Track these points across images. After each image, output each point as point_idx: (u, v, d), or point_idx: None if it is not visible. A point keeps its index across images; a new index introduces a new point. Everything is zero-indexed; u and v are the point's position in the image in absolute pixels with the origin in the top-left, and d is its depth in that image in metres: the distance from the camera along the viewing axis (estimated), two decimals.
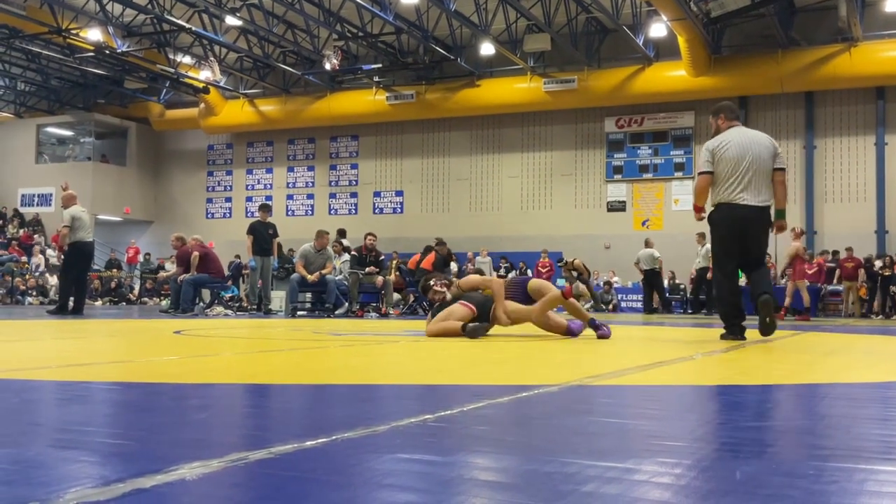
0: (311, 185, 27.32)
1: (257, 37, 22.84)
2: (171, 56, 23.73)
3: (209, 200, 28.79)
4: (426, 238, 17.95)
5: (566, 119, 23.66)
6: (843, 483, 1.43)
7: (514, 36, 21.43)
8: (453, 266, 17.08)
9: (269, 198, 26.75)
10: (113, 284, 23.87)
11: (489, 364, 4.00)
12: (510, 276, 21.24)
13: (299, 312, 13.41)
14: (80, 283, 11.97)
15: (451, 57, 22.22)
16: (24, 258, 22.95)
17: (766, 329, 5.83)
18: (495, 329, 6.42)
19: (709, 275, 15.25)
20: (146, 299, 23.72)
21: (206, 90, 25.36)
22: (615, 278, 21.69)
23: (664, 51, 21.37)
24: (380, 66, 23.40)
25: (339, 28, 21.62)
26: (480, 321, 6.05)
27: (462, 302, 6.14)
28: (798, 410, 2.63)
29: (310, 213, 26.97)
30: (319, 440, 1.71)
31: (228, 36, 22.42)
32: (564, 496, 1.28)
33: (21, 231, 25.90)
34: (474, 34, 21.22)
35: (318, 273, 12.86)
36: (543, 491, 1.32)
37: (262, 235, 13.90)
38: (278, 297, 15.36)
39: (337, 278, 13.78)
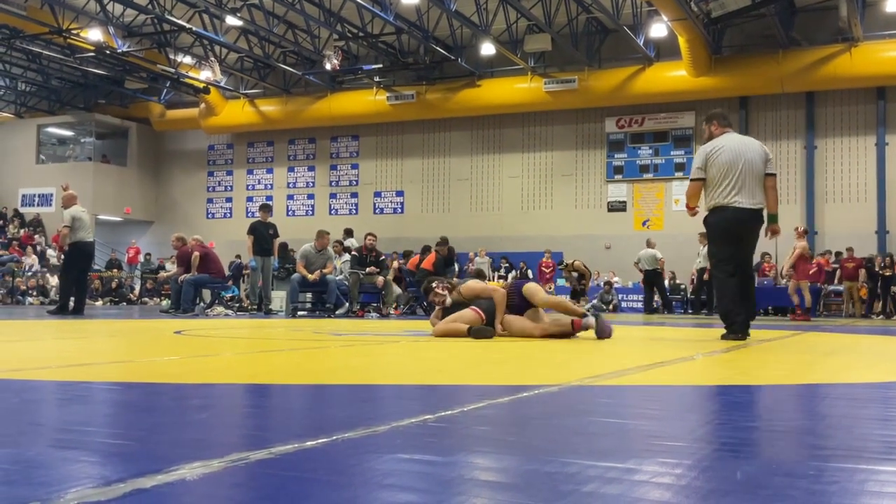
0: (311, 185, 27.32)
1: (258, 37, 22.85)
2: (171, 56, 23.74)
3: (210, 200, 28.80)
4: (427, 238, 17.95)
5: (567, 119, 23.66)
6: (844, 483, 1.43)
7: (515, 36, 21.43)
8: (455, 267, 17.03)
9: (269, 198, 26.76)
10: (113, 284, 23.87)
11: (489, 364, 4.00)
12: (510, 276, 21.26)
13: (300, 312, 13.41)
14: (80, 284, 11.97)
15: (452, 57, 22.22)
16: (24, 258, 22.95)
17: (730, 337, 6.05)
18: None
19: (705, 276, 15.32)
20: (146, 299, 23.72)
21: (206, 90, 25.37)
22: (615, 278, 21.69)
23: (665, 51, 21.37)
24: (380, 66, 23.41)
25: (340, 28, 21.62)
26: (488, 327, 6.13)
27: (474, 308, 6.21)
28: (799, 410, 2.63)
29: (310, 213, 26.97)
30: (320, 440, 1.71)
31: (229, 36, 22.42)
32: (565, 496, 1.28)
33: (21, 231, 25.90)
34: (475, 34, 21.22)
35: (318, 272, 12.86)
36: (544, 491, 1.32)
37: (263, 235, 13.90)
38: (279, 298, 15.36)
39: (337, 278, 13.78)
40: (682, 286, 21.13)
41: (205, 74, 24.01)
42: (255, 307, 14.33)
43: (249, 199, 27.86)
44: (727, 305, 6.12)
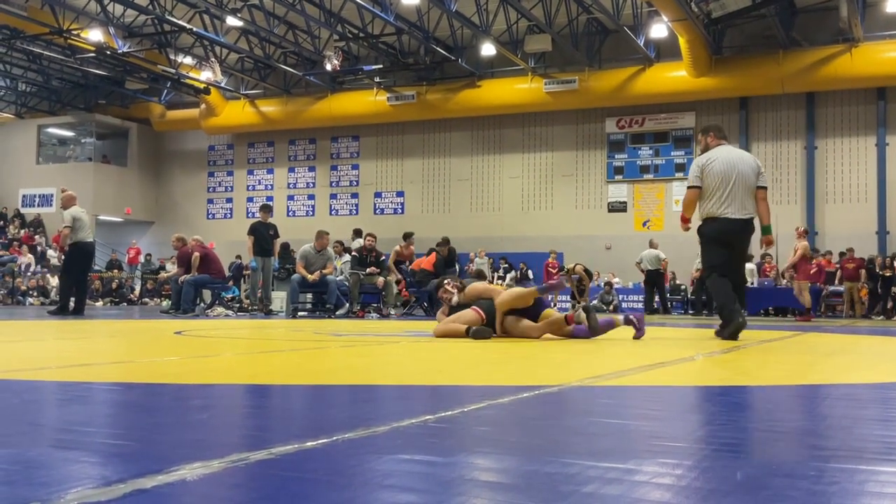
0: (311, 185, 27.32)
1: (258, 37, 22.85)
2: (172, 57, 23.74)
3: (210, 201, 28.80)
4: (427, 239, 17.96)
5: (567, 119, 23.66)
6: (844, 484, 1.43)
7: (515, 36, 21.43)
8: (456, 267, 17.02)
9: (269, 198, 26.76)
10: (114, 285, 23.88)
11: (490, 365, 4.00)
12: (508, 277, 21.25)
13: (300, 313, 13.41)
14: (80, 284, 11.98)
15: (452, 57, 22.22)
16: (20, 258, 22.92)
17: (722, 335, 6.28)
18: None
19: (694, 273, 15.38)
20: (147, 300, 23.73)
21: (206, 91, 25.38)
22: (616, 279, 21.69)
23: (665, 51, 21.37)
24: (381, 66, 23.41)
25: (340, 29, 21.63)
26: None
27: (475, 308, 6.20)
28: (799, 411, 2.63)
29: (311, 213, 26.98)
30: (320, 441, 1.71)
31: (229, 37, 22.42)
32: (565, 497, 1.28)
33: (22, 232, 25.91)
34: (475, 35, 21.22)
35: (318, 273, 12.86)
36: (544, 492, 1.32)
37: (263, 236, 13.90)
38: (279, 298, 15.36)
39: (338, 279, 13.78)
40: (683, 287, 21.13)
41: (205, 75, 24.01)
42: (256, 308, 14.33)
43: (250, 199, 27.87)
44: (723, 299, 6.33)
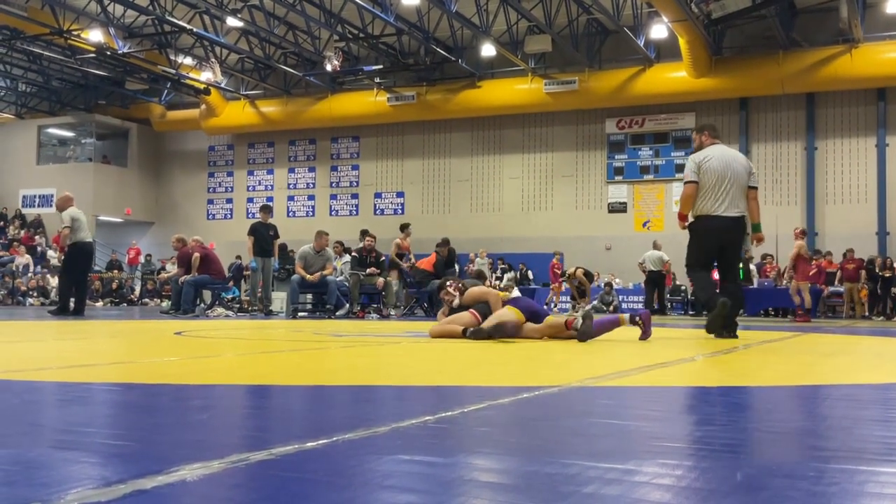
0: (311, 186, 27.33)
1: (258, 38, 22.86)
2: (172, 57, 23.75)
3: (210, 201, 28.81)
4: (427, 239, 17.97)
5: (567, 120, 23.67)
6: (844, 485, 1.43)
7: (515, 37, 21.44)
8: (455, 268, 17.03)
9: (270, 199, 26.77)
10: (114, 285, 23.88)
11: (490, 365, 4.00)
12: (506, 277, 21.23)
13: (300, 313, 13.41)
14: (80, 284, 11.98)
15: (452, 58, 22.23)
16: (17, 258, 22.90)
17: (709, 330, 6.48)
18: None
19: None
20: (147, 300, 23.73)
21: (207, 91, 25.38)
22: (616, 280, 21.69)
23: (665, 52, 21.38)
24: (381, 67, 23.41)
25: (340, 29, 21.63)
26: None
27: (472, 311, 6.21)
28: (799, 412, 2.63)
29: (311, 214, 26.98)
30: (320, 441, 1.71)
31: (229, 37, 22.43)
32: (565, 497, 1.28)
33: (22, 232, 25.91)
34: (475, 35, 21.22)
35: (318, 273, 12.86)
36: (544, 492, 1.32)
37: (263, 236, 13.91)
38: (279, 299, 15.36)
39: (338, 279, 13.78)
40: (683, 287, 21.12)
41: (205, 75, 24.02)
42: (256, 308, 14.34)
43: (250, 199, 27.87)
44: (709, 292, 6.54)
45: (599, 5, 18.99)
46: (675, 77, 21.10)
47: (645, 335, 5.93)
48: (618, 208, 23.21)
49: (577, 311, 6.07)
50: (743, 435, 2.00)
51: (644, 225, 22.79)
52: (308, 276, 12.81)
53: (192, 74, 24.54)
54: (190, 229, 21.77)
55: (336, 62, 21.69)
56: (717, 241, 6.49)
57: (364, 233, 15.69)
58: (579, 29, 21.41)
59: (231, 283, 18.71)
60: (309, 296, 14.05)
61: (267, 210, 14.62)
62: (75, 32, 20.94)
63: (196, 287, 13.28)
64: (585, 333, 5.76)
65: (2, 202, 28.03)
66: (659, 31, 19.84)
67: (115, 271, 25.20)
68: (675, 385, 3.26)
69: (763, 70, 20.53)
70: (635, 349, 5.17)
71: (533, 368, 3.84)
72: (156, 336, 6.48)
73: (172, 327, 8.03)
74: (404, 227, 15.53)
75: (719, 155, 6.50)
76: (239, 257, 22.47)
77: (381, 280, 13.67)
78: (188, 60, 24.35)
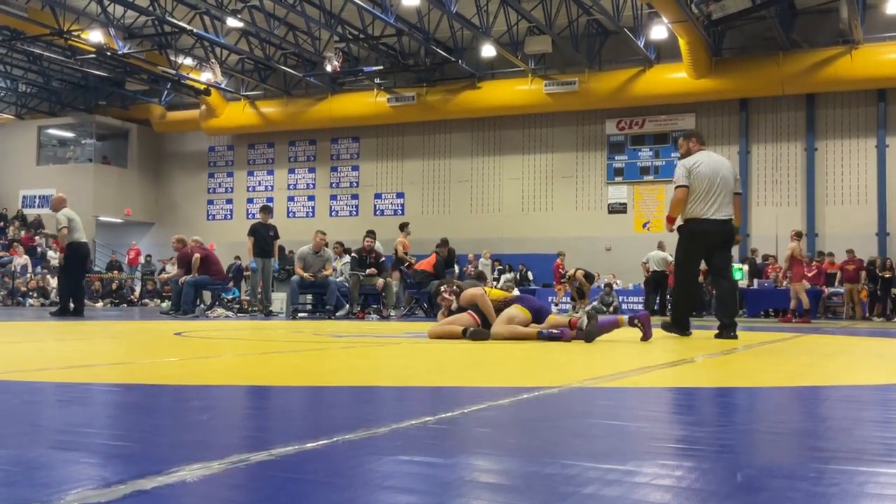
0: (312, 186, 27.33)
1: (258, 39, 22.86)
2: (172, 58, 23.75)
3: (210, 202, 28.81)
4: (427, 240, 17.97)
5: (567, 121, 23.67)
6: (844, 485, 1.43)
7: (515, 38, 21.44)
8: (455, 268, 17.03)
9: (270, 199, 26.77)
10: (114, 286, 23.87)
11: (490, 366, 4.00)
12: (503, 278, 21.23)
13: (300, 314, 13.41)
14: (76, 285, 12.02)
15: (452, 59, 22.23)
16: (15, 258, 22.88)
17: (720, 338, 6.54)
18: None
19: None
20: (147, 301, 23.72)
21: (207, 92, 25.38)
22: (616, 280, 21.68)
23: (665, 53, 21.38)
24: (381, 67, 23.41)
25: (340, 30, 21.63)
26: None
27: (470, 312, 6.21)
28: (799, 413, 2.63)
29: (311, 214, 26.98)
30: (320, 442, 1.71)
31: (230, 38, 22.43)
32: (565, 498, 1.28)
33: (22, 232, 25.91)
34: (475, 36, 21.22)
35: (321, 273, 12.87)
36: (544, 493, 1.32)
37: (263, 237, 13.91)
38: (279, 299, 15.36)
39: (338, 280, 13.79)
40: None
41: (205, 76, 24.02)
42: (256, 309, 14.34)
43: (250, 200, 27.87)
44: (685, 309, 6.82)
45: (599, 6, 18.99)
46: (675, 78, 21.09)
47: (646, 336, 5.93)
48: (618, 209, 23.21)
49: (577, 312, 6.05)
50: (743, 436, 2.00)
51: (644, 226, 22.79)
52: (306, 275, 12.82)
53: (192, 75, 24.53)
54: (190, 230, 21.76)
55: (336, 63, 21.69)
56: (706, 243, 6.70)
57: (371, 234, 15.71)
58: (579, 30, 21.41)
59: (231, 284, 18.70)
60: (309, 296, 14.06)
61: (267, 211, 14.61)
62: (75, 33, 20.94)
63: (196, 288, 13.28)
64: (591, 333, 5.77)
65: (2, 203, 28.01)
66: (659, 31, 19.84)
67: (115, 272, 25.19)
68: (676, 386, 3.26)
69: (763, 71, 20.53)
70: (635, 350, 5.17)
71: (533, 369, 3.84)
72: (156, 337, 6.48)
73: (172, 328, 8.03)
74: (404, 227, 15.56)
75: (708, 161, 6.73)
76: (238, 258, 22.47)
77: (380, 281, 13.67)
78: (188, 61, 24.35)
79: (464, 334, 5.94)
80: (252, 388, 2.97)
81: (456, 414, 2.17)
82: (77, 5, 20.82)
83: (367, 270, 13.61)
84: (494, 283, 20.20)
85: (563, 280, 19.01)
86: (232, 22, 20.54)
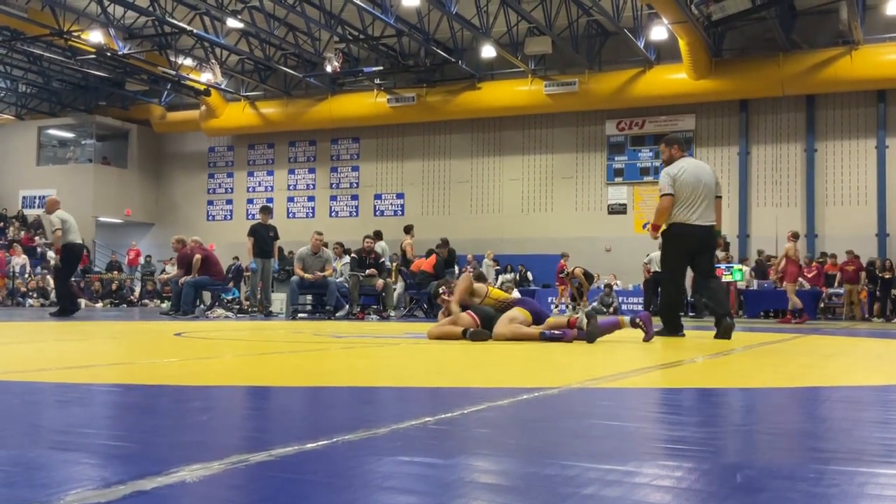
0: (311, 187, 27.33)
1: (258, 39, 22.86)
2: (172, 58, 23.75)
3: (210, 203, 28.81)
4: (427, 240, 17.95)
5: (567, 122, 23.67)
6: (844, 486, 1.43)
7: (515, 39, 21.44)
8: (455, 269, 17.03)
9: (270, 200, 26.77)
10: (114, 286, 23.87)
11: (490, 366, 4.00)
12: (500, 279, 21.23)
13: (300, 314, 13.41)
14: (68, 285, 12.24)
15: (452, 59, 22.23)
16: (13, 258, 22.87)
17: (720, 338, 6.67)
18: None
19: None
20: (147, 301, 23.72)
21: (207, 92, 25.38)
22: (616, 281, 21.68)
23: (665, 54, 21.38)
24: (381, 68, 23.41)
25: (340, 31, 21.63)
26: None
27: (469, 312, 6.21)
28: (799, 413, 2.63)
29: (311, 215, 26.98)
30: (320, 442, 1.71)
31: (230, 38, 22.43)
32: (565, 499, 1.28)
33: (22, 233, 25.91)
34: (475, 37, 21.23)
35: (316, 273, 12.86)
36: (544, 493, 1.32)
37: (263, 238, 13.91)
38: (279, 300, 15.35)
39: (338, 280, 13.79)
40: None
41: (205, 76, 24.02)
42: (256, 309, 14.34)
43: (250, 201, 27.87)
44: (674, 310, 6.97)
45: (599, 7, 19.00)
46: (675, 79, 21.10)
47: (648, 337, 5.93)
48: (618, 210, 23.21)
49: (577, 312, 6.05)
50: (743, 437, 2.00)
51: (644, 226, 22.74)
52: (305, 275, 12.82)
53: (192, 76, 24.53)
54: (190, 230, 21.77)
55: (336, 63, 21.69)
56: (689, 247, 6.87)
57: (377, 234, 15.73)
58: (579, 30, 21.42)
59: (231, 285, 18.70)
60: (308, 297, 14.06)
61: (267, 211, 14.61)
62: (75, 33, 20.94)
63: (196, 288, 13.28)
64: (593, 334, 5.78)
65: (2, 203, 28.02)
66: (659, 32, 19.85)
67: (115, 272, 25.19)
68: (676, 387, 3.26)
69: (763, 72, 20.53)
70: (635, 350, 5.17)
71: (532, 370, 3.84)
72: (155, 337, 6.49)
73: (172, 328, 8.03)
74: (409, 229, 15.71)
75: (691, 168, 6.89)
76: (236, 258, 22.48)
77: (380, 281, 13.67)
78: (188, 62, 24.35)
79: (464, 335, 5.95)
80: (252, 389, 2.97)
81: (456, 415, 2.17)
82: (77, 6, 20.82)
83: (367, 271, 13.61)
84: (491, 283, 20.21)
85: (561, 275, 19.01)
86: (232, 22, 20.54)
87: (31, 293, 21.44)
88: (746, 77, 20.72)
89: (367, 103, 24.74)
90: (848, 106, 21.05)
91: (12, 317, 12.00)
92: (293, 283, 13.03)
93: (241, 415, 2.38)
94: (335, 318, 12.72)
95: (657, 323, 6.81)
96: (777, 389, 3.16)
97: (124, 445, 1.74)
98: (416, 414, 2.20)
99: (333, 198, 26.91)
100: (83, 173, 27.70)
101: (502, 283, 21.03)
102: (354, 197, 26.63)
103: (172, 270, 16.50)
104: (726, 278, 19.01)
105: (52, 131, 29.84)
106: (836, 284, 19.02)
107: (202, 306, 14.03)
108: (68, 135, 30.00)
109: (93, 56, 23.06)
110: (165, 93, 27.49)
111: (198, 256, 13.21)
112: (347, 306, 13.59)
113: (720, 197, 7.02)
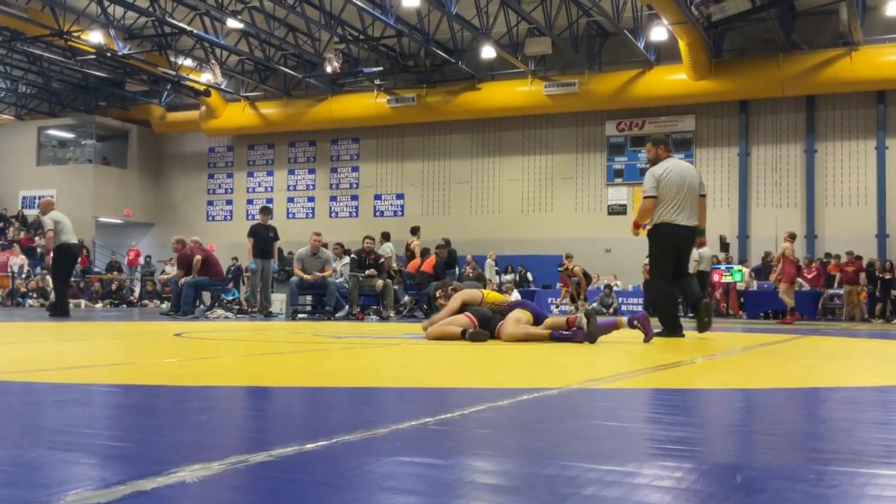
0: (311, 187, 27.33)
1: (258, 39, 22.86)
2: (172, 59, 23.74)
3: (210, 203, 28.80)
4: (427, 241, 17.93)
5: (567, 122, 23.67)
6: (844, 487, 1.43)
7: (515, 39, 21.44)
8: (456, 269, 17.03)
9: (269, 200, 26.76)
10: (113, 287, 23.87)
11: (489, 367, 4.00)
12: (500, 280, 21.23)
13: (300, 315, 13.41)
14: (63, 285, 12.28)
15: (452, 60, 22.23)
16: (11, 258, 22.87)
17: (704, 327, 7.04)
18: None
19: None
20: (146, 302, 23.72)
21: (207, 93, 25.38)
22: (616, 282, 21.68)
23: (665, 54, 21.38)
24: (381, 69, 23.42)
25: (341, 31, 21.63)
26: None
27: (467, 313, 6.22)
28: (799, 414, 2.63)
29: (310, 215, 26.98)
30: (320, 443, 1.71)
31: (230, 39, 22.43)
32: (565, 499, 1.28)
33: (22, 233, 25.91)
34: (475, 37, 21.22)
35: (315, 274, 12.86)
36: (544, 494, 1.32)
37: (263, 238, 13.91)
38: (279, 300, 15.35)
39: (337, 281, 13.78)
40: None
41: (205, 77, 24.02)
42: (256, 310, 14.33)
43: (250, 201, 27.86)
44: (671, 310, 7.05)
45: (599, 8, 18.99)
46: (675, 79, 21.10)
47: (647, 337, 5.93)
48: (618, 210, 23.20)
49: (577, 311, 6.08)
50: (742, 437, 2.00)
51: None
52: (305, 276, 12.82)
53: (192, 76, 24.52)
54: (190, 231, 21.75)
55: (336, 64, 21.69)
56: (676, 246, 7.04)
57: (385, 235, 15.76)
58: (579, 31, 21.42)
59: (230, 285, 18.70)
60: (308, 297, 14.05)
61: (266, 212, 14.61)
62: (75, 34, 20.94)
63: (196, 288, 13.28)
64: (593, 334, 5.78)
65: (2, 203, 28.01)
66: (659, 33, 19.85)
67: (115, 273, 25.19)
68: (675, 387, 3.26)
69: (763, 72, 20.54)
70: (635, 351, 5.17)
71: (532, 370, 3.84)
72: (155, 337, 6.49)
73: (172, 329, 8.03)
74: (416, 231, 15.86)
75: (677, 169, 7.00)
76: (235, 259, 22.48)
77: (379, 282, 13.66)
78: (188, 62, 24.35)
79: (462, 335, 5.95)
80: (252, 389, 2.97)
81: (455, 415, 2.17)
82: (77, 6, 20.82)
83: (367, 272, 13.61)
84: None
85: (559, 268, 18.99)
86: (232, 23, 20.54)
87: (30, 293, 21.44)
88: (746, 78, 20.72)
89: (367, 104, 24.74)
90: (848, 107, 21.05)
91: (12, 317, 12.00)
92: (293, 283, 13.03)
93: (241, 415, 2.38)
94: (335, 319, 12.72)
95: (656, 324, 6.84)
96: (777, 390, 3.16)
97: (124, 446, 1.74)
98: (416, 414, 2.20)
99: (333, 198, 26.91)
100: (83, 174, 27.70)
101: (503, 283, 21.04)
102: (354, 197, 26.63)
103: (172, 271, 16.49)
104: (726, 279, 19.06)
105: (52, 131, 29.84)
106: (836, 285, 19.02)
107: (202, 307, 14.03)
108: (68, 135, 29.99)
109: (93, 56, 23.06)
110: (165, 93, 27.49)
111: (198, 257, 13.22)
112: (347, 307, 13.58)
113: (704, 195, 7.15)
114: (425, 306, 14.44)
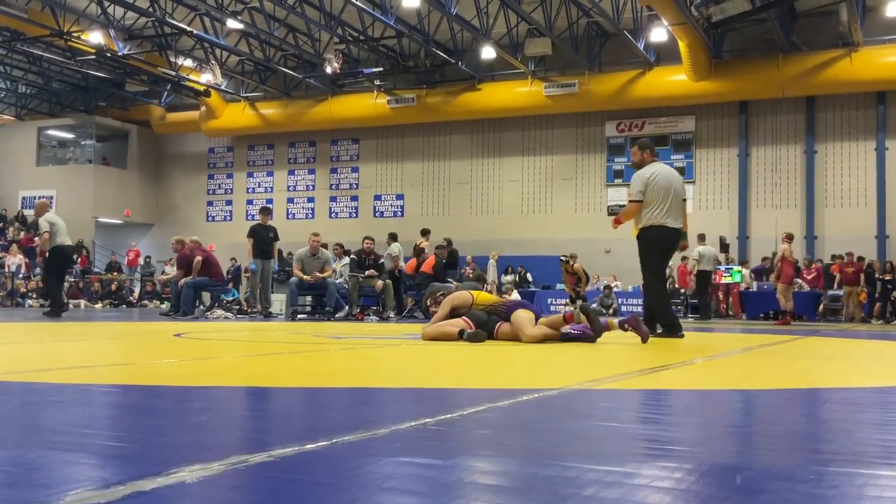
0: (311, 188, 27.33)
1: (258, 40, 22.86)
2: (172, 59, 23.74)
3: (210, 203, 28.80)
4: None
5: (567, 123, 23.67)
6: (844, 488, 1.43)
7: (515, 40, 21.44)
8: (457, 270, 17.03)
9: (269, 201, 26.76)
10: (113, 287, 23.87)
11: (489, 367, 4.00)
12: (500, 280, 21.24)
13: (299, 315, 13.41)
14: (58, 287, 12.37)
15: (452, 61, 22.23)
16: (9, 258, 22.87)
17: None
18: None
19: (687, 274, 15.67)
20: (146, 302, 23.72)
21: (207, 93, 25.38)
22: (616, 282, 21.67)
23: (665, 55, 21.39)
24: (381, 69, 23.42)
25: (341, 32, 21.63)
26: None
27: (465, 318, 6.21)
28: (798, 415, 2.63)
29: (310, 216, 26.98)
30: (319, 443, 1.71)
31: (230, 39, 22.43)
32: (565, 500, 1.28)
33: (21, 233, 25.90)
34: (475, 38, 21.23)
35: (314, 274, 12.86)
36: (544, 494, 1.32)
37: (263, 238, 13.91)
38: (278, 301, 15.35)
39: (337, 281, 13.78)
40: (683, 291, 21.11)
41: (205, 77, 24.02)
42: (256, 310, 14.33)
43: (249, 202, 27.86)
44: (668, 309, 7.33)
45: (599, 8, 18.99)
46: (674, 80, 21.11)
47: (644, 338, 5.93)
48: (617, 211, 22.95)
49: (574, 307, 6.11)
50: (742, 438, 2.00)
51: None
52: (305, 276, 12.82)
53: (192, 76, 24.52)
54: (189, 231, 21.73)
55: (336, 64, 21.69)
56: (665, 248, 7.24)
57: (392, 236, 15.77)
58: (579, 32, 21.42)
59: (230, 285, 18.70)
60: (308, 298, 14.05)
61: (266, 212, 14.61)
62: (75, 34, 20.93)
63: (195, 289, 13.28)
64: (598, 331, 5.85)
65: (1, 203, 28.00)
66: (659, 34, 19.85)
67: (115, 273, 25.18)
68: (675, 388, 3.26)
69: (763, 73, 20.54)
70: (635, 352, 5.17)
71: (532, 371, 3.84)
72: (155, 338, 6.48)
73: (172, 329, 8.03)
74: (426, 233, 16.27)
75: (663, 173, 7.23)
76: (234, 259, 22.45)
77: (379, 282, 13.66)
78: (188, 62, 24.34)
79: (460, 336, 5.94)
80: (251, 390, 2.97)
81: (455, 415, 2.17)
82: (77, 6, 20.83)
83: (367, 272, 13.61)
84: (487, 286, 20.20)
85: (561, 258, 18.90)
86: (232, 23, 20.54)
87: (30, 293, 21.44)
88: (746, 78, 20.73)
89: (366, 104, 24.73)
90: (848, 108, 21.06)
91: (12, 317, 12.00)
92: (292, 284, 13.03)
93: (241, 415, 2.38)
94: (334, 319, 12.72)
95: (664, 330, 6.88)
96: (777, 391, 3.16)
97: (124, 446, 1.74)
98: (416, 415, 2.20)
99: (333, 199, 26.90)
100: (83, 174, 27.69)
101: (503, 283, 21.04)
102: (354, 198, 26.62)
103: (172, 271, 16.50)
104: (726, 280, 19.06)
105: (51, 132, 29.83)
106: (835, 286, 19.02)
107: (202, 307, 14.03)
108: (68, 135, 29.99)
109: (93, 57, 23.06)
110: (165, 93, 27.48)
111: (198, 258, 13.22)
112: (347, 307, 13.58)
113: (685, 200, 7.37)
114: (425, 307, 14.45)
